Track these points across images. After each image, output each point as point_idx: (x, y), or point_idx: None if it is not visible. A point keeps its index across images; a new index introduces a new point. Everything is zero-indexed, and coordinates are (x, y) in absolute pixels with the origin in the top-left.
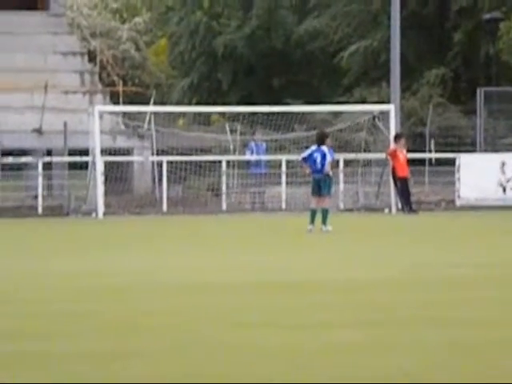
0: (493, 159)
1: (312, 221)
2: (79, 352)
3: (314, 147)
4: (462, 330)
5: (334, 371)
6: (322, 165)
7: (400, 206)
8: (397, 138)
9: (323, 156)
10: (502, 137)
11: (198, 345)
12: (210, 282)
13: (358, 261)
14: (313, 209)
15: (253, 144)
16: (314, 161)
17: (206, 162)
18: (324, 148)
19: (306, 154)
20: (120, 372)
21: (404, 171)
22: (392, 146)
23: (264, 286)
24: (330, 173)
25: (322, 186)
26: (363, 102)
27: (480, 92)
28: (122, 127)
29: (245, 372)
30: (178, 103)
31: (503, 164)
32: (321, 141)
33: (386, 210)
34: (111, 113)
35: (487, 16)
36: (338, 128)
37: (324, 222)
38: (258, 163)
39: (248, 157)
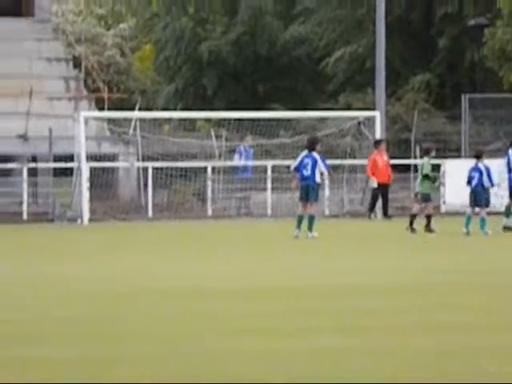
0: None
1: (298, 226)
2: (66, 357)
3: (304, 153)
4: (448, 336)
5: (320, 376)
6: (313, 171)
7: (382, 212)
8: (376, 143)
9: (314, 163)
10: (486, 143)
11: (185, 351)
12: (197, 288)
13: (344, 267)
14: (300, 214)
15: (242, 148)
16: (305, 167)
17: (191, 167)
18: (315, 154)
19: (296, 162)
20: (106, 378)
21: (383, 177)
22: (374, 152)
23: (251, 292)
24: (319, 180)
25: (309, 192)
26: (348, 107)
27: (465, 98)
28: (108, 133)
29: (230, 377)
30: (164, 109)
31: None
32: (312, 146)
33: (372, 216)
34: (96, 119)
35: (472, 22)
36: (323, 134)
37: (310, 228)
38: (245, 168)
39: (234, 162)
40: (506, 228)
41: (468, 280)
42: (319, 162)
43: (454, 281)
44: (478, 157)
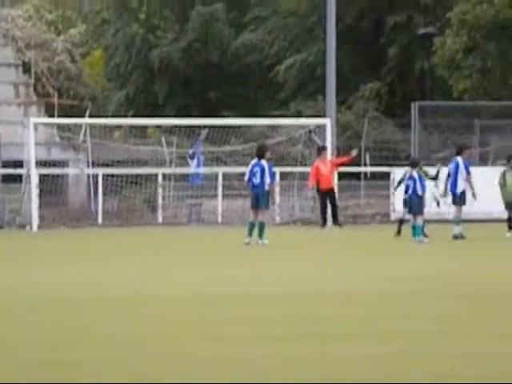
0: None
1: (250, 233)
2: (16, 361)
3: (253, 161)
4: (400, 343)
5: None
6: (262, 179)
7: (332, 220)
8: (319, 151)
9: (262, 170)
10: (436, 151)
11: (136, 357)
12: (148, 294)
13: (295, 275)
14: (251, 222)
15: (199, 154)
16: (254, 175)
17: (142, 174)
18: (263, 162)
19: (248, 173)
20: (59, 381)
21: (328, 184)
22: (317, 160)
23: (201, 299)
24: (268, 187)
25: (259, 199)
26: (299, 115)
27: (415, 106)
28: (57, 139)
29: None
30: (114, 115)
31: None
32: (261, 154)
33: (326, 227)
34: (46, 125)
35: (421, 31)
36: (274, 141)
37: (260, 235)
38: (196, 175)
39: (191, 168)
40: (455, 237)
41: (426, 288)
42: (266, 170)
43: (406, 288)
44: (413, 165)
